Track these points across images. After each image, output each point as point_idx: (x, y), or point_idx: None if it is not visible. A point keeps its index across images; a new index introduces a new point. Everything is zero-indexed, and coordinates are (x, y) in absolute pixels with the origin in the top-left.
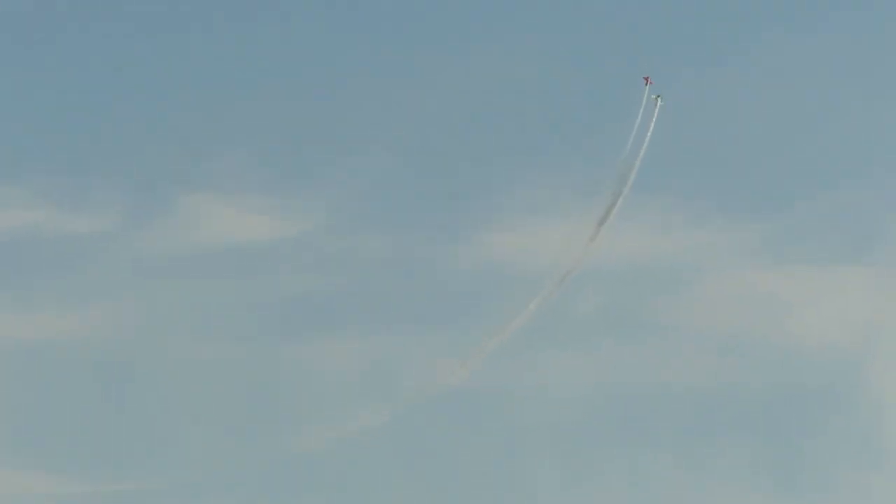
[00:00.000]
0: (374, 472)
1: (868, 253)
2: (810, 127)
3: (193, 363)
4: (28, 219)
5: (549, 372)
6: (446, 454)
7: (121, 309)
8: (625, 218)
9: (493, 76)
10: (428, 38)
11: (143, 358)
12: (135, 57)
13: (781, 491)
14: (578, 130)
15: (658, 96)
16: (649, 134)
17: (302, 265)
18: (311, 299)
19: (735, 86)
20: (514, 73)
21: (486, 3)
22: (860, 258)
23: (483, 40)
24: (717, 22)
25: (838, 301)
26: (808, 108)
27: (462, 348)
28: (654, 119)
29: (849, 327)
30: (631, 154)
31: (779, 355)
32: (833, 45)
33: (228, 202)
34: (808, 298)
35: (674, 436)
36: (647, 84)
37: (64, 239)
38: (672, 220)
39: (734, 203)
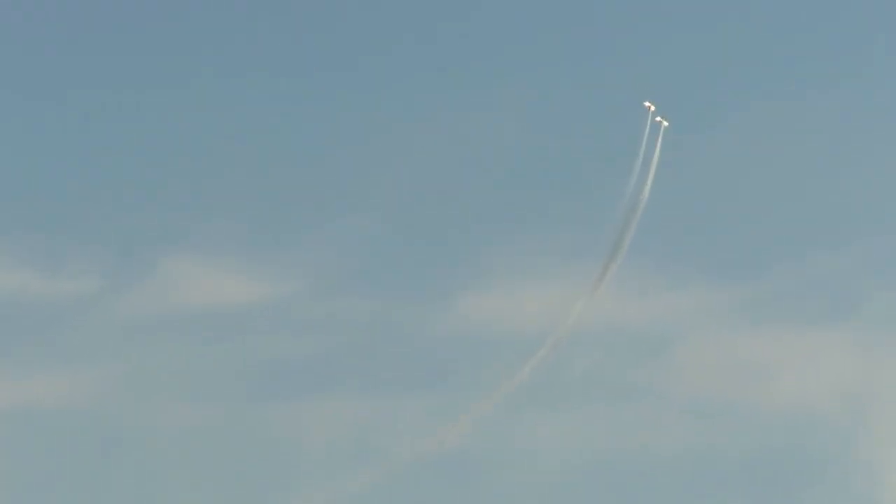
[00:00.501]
0: None
1: (848, 316)
2: (790, 191)
3: (177, 426)
4: (9, 283)
5: (534, 436)
6: None
7: (102, 372)
8: (601, 282)
9: (475, 140)
10: (410, 101)
11: (125, 420)
12: (115, 120)
13: None
14: (560, 195)
15: (662, 118)
16: (645, 197)
17: (284, 328)
18: (293, 362)
19: (715, 151)
20: (496, 137)
21: (467, 67)
22: (840, 321)
23: (465, 104)
24: (699, 89)
25: (819, 364)
26: (789, 173)
27: (445, 412)
28: (648, 186)
29: (829, 391)
30: (627, 217)
31: (762, 419)
32: (814, 111)
33: (210, 265)
34: (788, 362)
35: (659, 500)
36: (649, 110)
37: (45, 302)
38: (652, 284)
39: (714, 267)
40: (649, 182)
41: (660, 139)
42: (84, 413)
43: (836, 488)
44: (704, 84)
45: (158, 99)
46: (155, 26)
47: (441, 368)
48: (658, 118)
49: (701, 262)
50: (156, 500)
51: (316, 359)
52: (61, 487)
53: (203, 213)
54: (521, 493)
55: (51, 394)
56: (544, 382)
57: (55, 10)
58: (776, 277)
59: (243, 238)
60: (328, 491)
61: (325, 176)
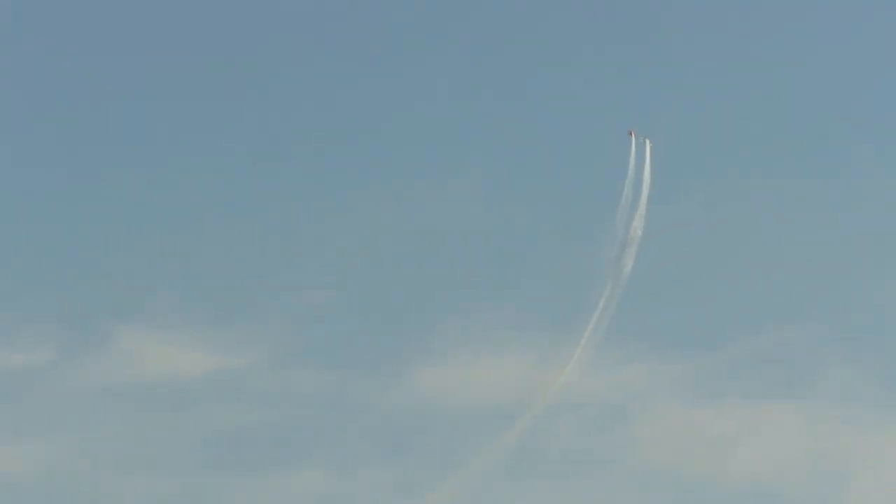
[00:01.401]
0: None
1: (803, 391)
2: (747, 266)
3: (132, 499)
4: None
5: None
6: None
7: (57, 444)
8: (556, 355)
9: (431, 214)
10: (366, 176)
11: (80, 493)
12: (70, 193)
13: None
14: (517, 270)
15: (646, 138)
16: (626, 273)
17: (240, 400)
18: (249, 435)
19: (671, 226)
20: (452, 211)
21: (423, 140)
22: (795, 396)
23: (422, 178)
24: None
25: (774, 439)
26: (745, 248)
27: (404, 487)
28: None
29: (785, 465)
30: (605, 288)
31: (719, 492)
32: (767, 188)
33: (165, 336)
34: (744, 436)
35: None
36: (632, 136)
37: None
38: (605, 356)
39: (670, 340)
40: (625, 259)
41: (637, 219)
42: (39, 486)
43: None
44: (665, 158)
45: (113, 171)
46: (105, 97)
47: (398, 443)
48: (644, 139)
49: (657, 335)
50: None
51: (272, 432)
52: None
53: (158, 285)
54: None
55: (4, 467)
56: (502, 457)
57: None
58: (732, 351)
59: (198, 310)
60: None
61: (281, 249)
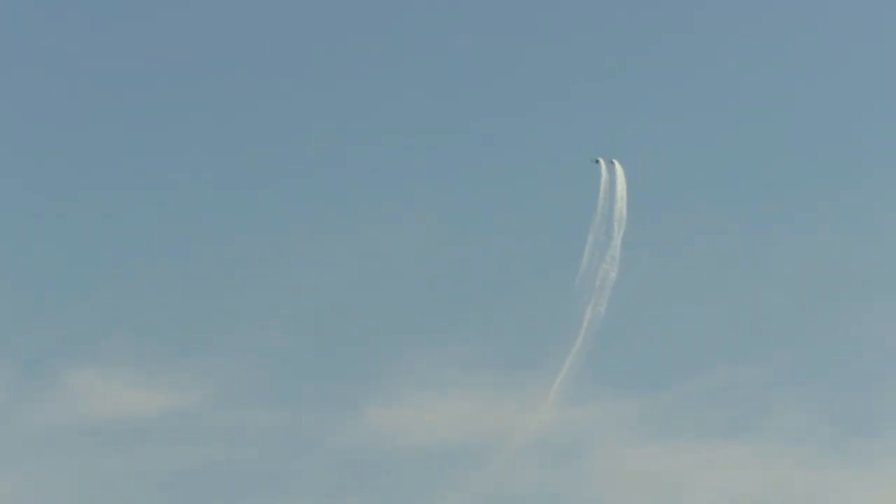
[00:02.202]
0: None
1: (753, 430)
2: (696, 305)
3: None
4: None
5: None
6: None
7: (7, 485)
8: (509, 394)
9: (383, 252)
10: (316, 213)
11: None
12: (14, 235)
13: None
14: (469, 306)
15: (613, 161)
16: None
17: (189, 439)
18: (199, 474)
19: (621, 265)
20: (404, 249)
21: (374, 178)
22: (745, 435)
23: (374, 215)
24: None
25: (724, 477)
26: (694, 287)
27: None
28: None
29: (732, 502)
30: (560, 328)
31: None
32: (719, 230)
33: (114, 376)
34: (694, 474)
35: None
36: (600, 164)
37: None
38: (558, 395)
39: (620, 379)
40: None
41: (613, 261)
42: None
43: None
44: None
45: (60, 210)
46: (49, 135)
47: (350, 481)
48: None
49: (610, 374)
50: None
51: (222, 470)
52: None
53: (106, 325)
54: None
55: None
56: (455, 495)
57: None
58: (685, 391)
59: (148, 349)
60: None
61: (231, 287)
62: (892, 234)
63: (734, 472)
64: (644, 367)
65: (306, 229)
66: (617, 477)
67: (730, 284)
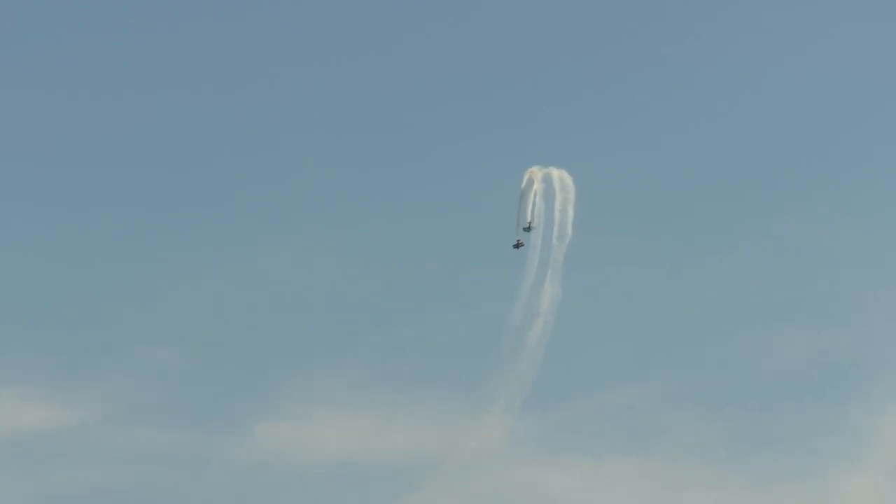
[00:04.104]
0: None
1: (646, 446)
2: (591, 325)
3: None
4: None
5: None
6: None
7: None
8: (400, 410)
9: (272, 274)
10: (207, 236)
11: None
12: None
13: None
14: (360, 327)
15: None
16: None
17: (82, 456)
18: (91, 490)
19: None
20: (293, 271)
21: (265, 203)
22: (638, 452)
23: (264, 239)
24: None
25: (616, 493)
26: (590, 305)
27: None
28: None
29: None
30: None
31: None
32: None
33: (8, 392)
34: (587, 490)
35: None
36: (519, 247)
37: None
38: (447, 410)
39: (509, 395)
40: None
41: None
42: None
43: None
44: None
45: None
46: None
47: (239, 496)
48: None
49: (503, 391)
50: None
51: (115, 486)
52: None
53: (1, 340)
54: None
55: None
56: None
57: None
58: (576, 408)
59: (42, 366)
60: None
61: (125, 306)
62: (793, 272)
63: (625, 487)
64: (540, 384)
65: (204, 251)
66: (506, 492)
67: (631, 308)
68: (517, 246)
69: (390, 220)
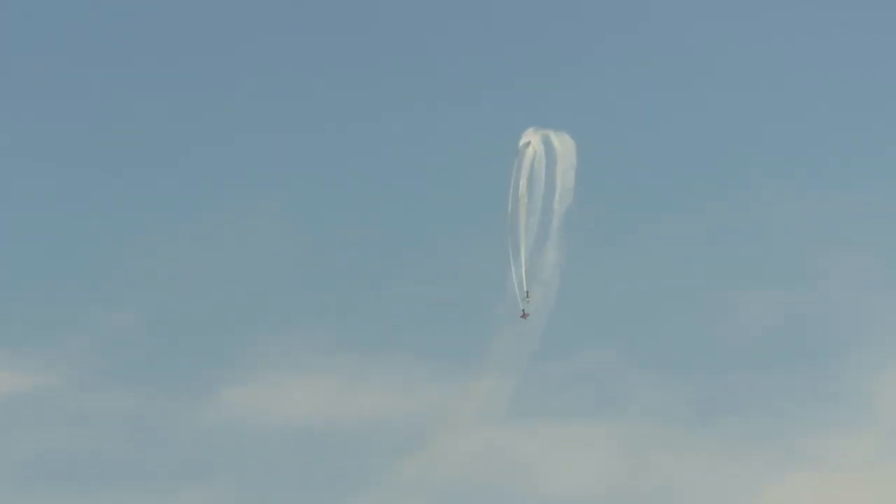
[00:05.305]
0: None
1: (613, 410)
2: (560, 288)
3: None
4: None
5: None
6: None
7: None
8: (366, 375)
9: (237, 235)
10: (170, 199)
11: None
12: None
13: None
14: (322, 290)
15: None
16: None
17: (46, 422)
18: (56, 456)
19: (481, 255)
20: (257, 233)
21: (229, 170)
22: (605, 415)
23: (226, 202)
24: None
25: (584, 457)
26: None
27: None
28: None
29: (595, 483)
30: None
31: None
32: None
33: None
34: (554, 454)
35: None
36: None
37: None
38: (414, 376)
39: (473, 360)
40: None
41: None
42: None
43: None
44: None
45: None
46: None
47: (207, 462)
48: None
49: (465, 355)
50: None
51: (79, 453)
52: None
53: None
54: None
55: None
56: (311, 476)
57: None
58: (544, 370)
59: (2, 333)
60: None
61: (84, 270)
62: (757, 236)
63: (593, 451)
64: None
65: (164, 216)
66: (471, 456)
67: (600, 271)
68: (524, 316)
69: (367, 182)
